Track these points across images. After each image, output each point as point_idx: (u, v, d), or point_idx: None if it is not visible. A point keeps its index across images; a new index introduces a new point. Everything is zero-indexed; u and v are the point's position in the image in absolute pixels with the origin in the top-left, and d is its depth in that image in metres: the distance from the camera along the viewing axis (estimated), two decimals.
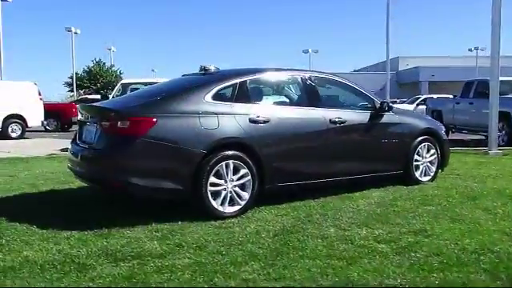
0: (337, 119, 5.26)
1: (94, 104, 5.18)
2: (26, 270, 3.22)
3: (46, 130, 20.19)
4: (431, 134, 6.25)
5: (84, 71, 50.60)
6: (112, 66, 52.67)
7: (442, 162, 6.39)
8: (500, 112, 11.16)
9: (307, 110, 5.16)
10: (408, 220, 4.46)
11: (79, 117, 5.16)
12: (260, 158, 4.65)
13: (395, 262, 3.39)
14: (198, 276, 3.12)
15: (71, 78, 45.69)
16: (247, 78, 4.93)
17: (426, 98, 23.39)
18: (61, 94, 53.33)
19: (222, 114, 4.53)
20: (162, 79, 14.02)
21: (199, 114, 4.44)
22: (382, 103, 5.72)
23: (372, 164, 5.68)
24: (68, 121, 22.31)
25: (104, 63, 52.16)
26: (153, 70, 61.82)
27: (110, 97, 12.34)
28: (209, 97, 4.58)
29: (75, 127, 22.88)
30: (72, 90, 45.77)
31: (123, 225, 4.22)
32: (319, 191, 5.36)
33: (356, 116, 5.56)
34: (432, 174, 6.29)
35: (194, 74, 5.61)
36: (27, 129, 17.24)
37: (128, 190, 4.27)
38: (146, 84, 13.12)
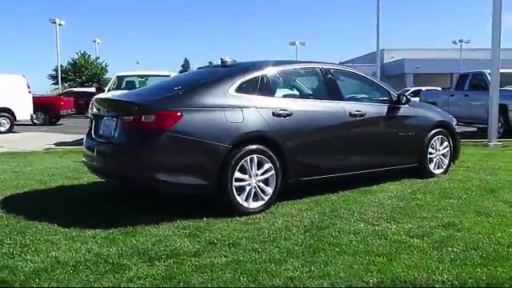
0: (356, 112, 5.20)
1: (114, 97, 5.02)
2: (59, 271, 3.09)
3: (34, 124, 19.77)
4: (444, 127, 6.24)
5: (69, 64, 49.72)
6: (97, 58, 51.86)
7: (453, 155, 6.39)
8: None
9: (328, 103, 5.09)
10: (433, 214, 4.43)
11: (93, 110, 5.00)
12: (283, 152, 4.57)
13: (435, 257, 3.35)
14: (240, 275, 3.03)
15: (55, 70, 44.82)
16: (269, 71, 4.83)
17: (417, 91, 23.50)
18: (44, 87, 52.46)
19: (246, 107, 4.43)
20: (157, 72, 13.86)
21: (224, 107, 4.33)
22: (399, 96, 5.68)
23: (390, 157, 5.64)
24: (56, 114, 21.92)
25: (89, 55, 51.33)
26: (137, 63, 61.21)
27: (106, 90, 12.10)
28: (232, 90, 4.47)
29: (63, 121, 22.66)
30: (56, 83, 44.95)
31: (147, 222, 4.10)
32: (337, 185, 5.31)
33: (374, 109, 5.51)
34: (445, 167, 6.29)
35: (212, 67, 5.48)
36: (15, 122, 16.88)
37: (153, 186, 4.14)
38: (141, 77, 12.97)
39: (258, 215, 4.39)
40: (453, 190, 5.40)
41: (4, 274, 3.06)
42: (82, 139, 13.22)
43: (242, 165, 4.34)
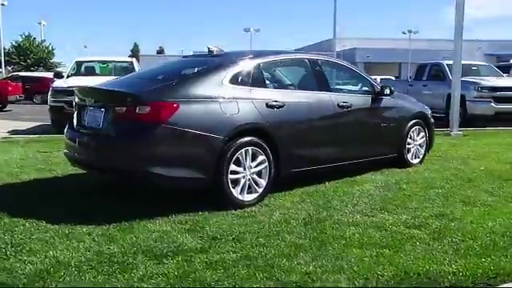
0: (343, 103, 5.23)
1: (101, 87, 4.75)
2: (63, 272, 2.92)
3: None
4: (421, 117, 6.40)
5: (12, 46, 47.18)
6: (43, 41, 49.54)
7: (428, 145, 6.59)
8: None
9: (317, 95, 5.08)
10: (423, 204, 4.54)
11: (76, 100, 4.73)
12: (276, 144, 4.52)
13: (438, 248, 3.42)
14: (255, 271, 2.98)
15: None
16: (260, 61, 4.74)
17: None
18: None
19: (241, 98, 4.34)
20: (119, 58, 13.38)
21: (219, 98, 4.22)
22: (382, 87, 5.75)
23: (374, 148, 5.73)
24: (4, 100, 20.73)
25: (34, 38, 48.91)
26: (85, 47, 59.17)
27: (65, 76, 11.56)
28: (227, 81, 4.36)
29: (11, 107, 21.43)
30: None
31: (140, 216, 3.95)
32: (323, 176, 5.32)
33: (359, 100, 5.55)
34: (421, 157, 6.46)
35: (198, 56, 5.31)
36: None
37: (149, 180, 3.99)
38: (103, 62, 12.50)
39: (253, 208, 4.33)
40: (434, 179, 5.56)
41: (3, 277, 2.85)
42: (37, 127, 12.74)
43: (237, 157, 4.26)
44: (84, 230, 3.67)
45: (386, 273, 2.99)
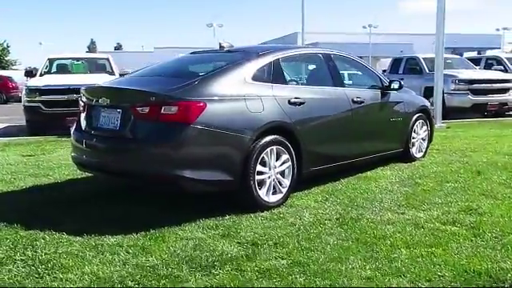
0: (357, 99, 5.14)
1: (118, 86, 4.43)
2: None
3: None
4: (424, 111, 6.41)
5: None
6: None
7: (430, 138, 6.61)
8: (429, 87, 11.92)
9: (333, 90, 4.96)
10: (446, 198, 4.50)
11: (84, 100, 4.40)
12: (299, 142, 4.37)
13: (483, 244, 3.36)
14: (313, 278, 2.83)
15: None
16: (280, 56, 4.56)
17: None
18: None
19: (264, 96, 4.16)
20: (95, 55, 12.85)
21: (244, 96, 4.02)
22: (390, 82, 5.70)
23: (384, 143, 5.69)
24: None
25: None
26: (40, 43, 56.90)
27: (38, 74, 11.00)
28: (249, 77, 4.17)
29: None
30: None
31: (165, 223, 3.72)
32: (333, 174, 5.22)
33: (370, 95, 5.47)
34: (424, 150, 6.48)
35: (210, 52, 5.06)
36: None
37: (178, 184, 3.74)
38: (78, 60, 12.00)
39: (279, 209, 4.17)
40: (444, 173, 5.56)
41: None
42: (7, 127, 12.07)
43: (263, 157, 4.08)
44: (111, 240, 3.41)
45: (447, 273, 2.90)
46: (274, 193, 4.25)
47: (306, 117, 4.50)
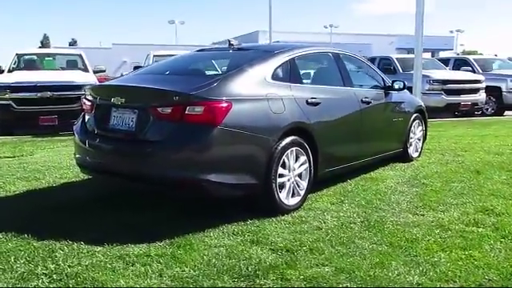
0: (365, 99, 5.09)
1: (133, 84, 4.14)
2: None
3: None
4: (421, 111, 6.46)
5: None
6: None
7: (424, 138, 6.67)
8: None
9: (344, 90, 4.88)
10: (459, 199, 4.49)
11: (90, 98, 4.12)
12: (316, 143, 4.27)
13: None
14: (362, 285, 2.73)
15: None
16: (296, 55, 4.43)
17: None
18: None
19: (285, 96, 4.02)
20: (66, 51, 12.30)
21: (267, 96, 3.87)
22: (393, 82, 5.69)
23: (388, 143, 5.69)
24: None
25: None
26: None
27: (6, 70, 10.41)
28: (269, 76, 4.03)
29: None
30: None
31: (186, 230, 3.53)
32: (339, 175, 5.15)
33: (376, 95, 5.44)
34: (419, 150, 6.53)
35: (220, 50, 4.84)
36: None
37: (203, 189, 3.55)
38: (48, 55, 11.46)
39: (299, 213, 4.05)
40: (445, 173, 5.59)
41: None
42: None
43: (284, 159, 3.95)
44: (136, 250, 3.19)
45: (494, 277, 2.87)
46: (293, 195, 4.13)
47: (323, 117, 4.40)
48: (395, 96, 5.79)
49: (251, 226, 3.69)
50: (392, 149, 5.85)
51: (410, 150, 6.27)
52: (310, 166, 4.23)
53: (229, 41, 4.66)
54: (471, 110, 13.25)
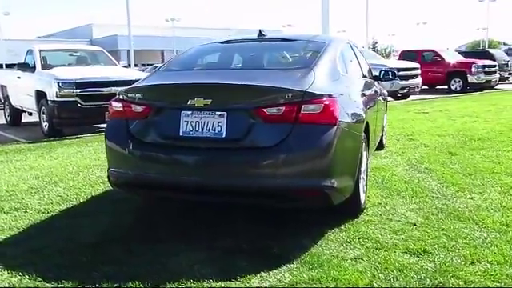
0: (372, 88, 5.08)
1: (223, 82, 3.30)
2: None
3: None
4: (385, 100, 6.72)
5: None
6: None
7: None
8: None
9: (367, 81, 4.84)
10: (476, 180, 4.71)
11: (141, 102, 3.29)
12: (369, 137, 4.15)
13: None
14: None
15: None
16: (341, 47, 4.21)
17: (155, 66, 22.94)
18: None
19: (357, 89, 3.86)
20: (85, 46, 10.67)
21: (348, 89, 3.61)
22: (380, 72, 5.78)
23: (380, 132, 5.80)
24: None
25: None
26: None
27: (38, 66, 9.41)
28: (342, 69, 3.76)
29: None
30: None
31: (298, 244, 3.17)
32: None
33: (372, 84, 5.43)
34: (386, 136, 6.81)
35: (257, 40, 4.23)
36: None
37: (327, 197, 3.13)
38: (75, 51, 11.11)
39: (371, 210, 3.87)
40: (427, 156, 5.90)
41: None
42: None
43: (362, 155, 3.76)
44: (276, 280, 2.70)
45: None
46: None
47: (368, 110, 4.27)
48: (379, 87, 5.90)
49: (353, 232, 3.40)
50: (379, 136, 5.98)
51: (383, 137, 6.50)
52: (366, 161, 4.09)
53: (260, 31, 4.21)
54: (409, 93, 15.52)
